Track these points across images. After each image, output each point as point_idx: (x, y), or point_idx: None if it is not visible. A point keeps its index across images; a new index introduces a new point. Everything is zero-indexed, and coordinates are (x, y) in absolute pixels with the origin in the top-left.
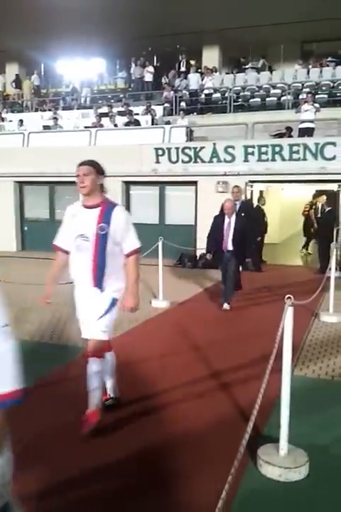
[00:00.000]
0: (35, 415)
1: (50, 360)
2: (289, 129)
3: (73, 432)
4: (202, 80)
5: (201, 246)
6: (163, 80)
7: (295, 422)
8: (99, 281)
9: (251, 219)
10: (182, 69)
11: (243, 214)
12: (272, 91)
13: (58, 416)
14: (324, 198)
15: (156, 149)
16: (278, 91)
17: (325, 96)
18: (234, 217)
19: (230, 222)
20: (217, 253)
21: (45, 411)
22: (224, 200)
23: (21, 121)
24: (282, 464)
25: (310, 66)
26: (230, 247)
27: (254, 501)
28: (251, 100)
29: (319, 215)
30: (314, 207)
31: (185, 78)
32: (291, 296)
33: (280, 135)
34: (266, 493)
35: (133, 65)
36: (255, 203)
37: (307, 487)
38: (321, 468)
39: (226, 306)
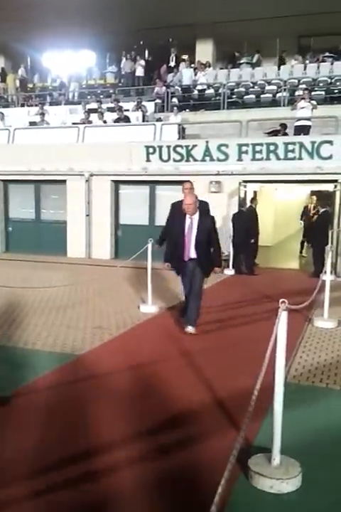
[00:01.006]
0: (10, 429)
1: (33, 369)
2: (284, 126)
3: (52, 448)
4: (195, 75)
5: None
6: (155, 76)
7: (288, 431)
8: None
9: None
10: (172, 64)
11: None
12: (267, 87)
13: (36, 429)
14: (314, 198)
15: (147, 147)
16: (274, 87)
17: (322, 93)
18: (197, 217)
19: (192, 223)
20: (176, 262)
21: (22, 424)
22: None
23: (2, 114)
24: (274, 475)
25: (307, 61)
26: (193, 255)
27: None
28: (246, 97)
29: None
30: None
31: (175, 73)
32: (285, 301)
33: (274, 133)
34: (256, 505)
35: (123, 58)
36: (248, 203)
37: (300, 499)
38: (314, 480)
39: (190, 329)
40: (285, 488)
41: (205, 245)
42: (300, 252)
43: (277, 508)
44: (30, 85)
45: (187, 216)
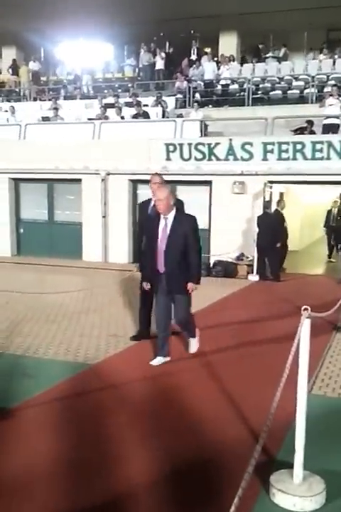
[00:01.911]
0: (19, 443)
1: (44, 378)
2: (310, 123)
3: (63, 466)
4: (219, 69)
5: (215, 252)
6: (176, 70)
7: (312, 446)
8: None
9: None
10: (193, 57)
11: None
12: (294, 83)
13: (46, 445)
14: (337, 202)
15: (167, 145)
16: (301, 83)
17: None
18: (172, 217)
19: (166, 225)
20: (152, 276)
21: (31, 438)
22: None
23: (13, 107)
24: (296, 492)
25: (336, 56)
26: (164, 267)
27: None
28: (272, 93)
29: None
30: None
31: (197, 67)
32: (308, 308)
33: (300, 130)
34: None
35: (142, 51)
36: (274, 205)
37: None
38: (339, 497)
39: (193, 342)
40: (308, 506)
41: (180, 255)
42: (329, 257)
43: None
44: (44, 78)
45: (162, 216)
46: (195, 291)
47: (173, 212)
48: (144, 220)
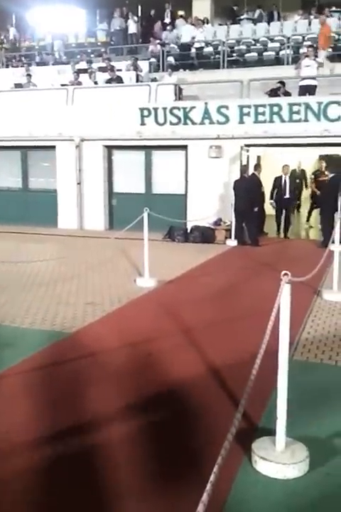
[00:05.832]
0: None
1: (21, 348)
2: (282, 84)
3: (41, 437)
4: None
5: (192, 217)
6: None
7: (295, 412)
8: None
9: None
10: (167, 20)
11: None
12: (270, 45)
13: (23, 415)
14: (322, 163)
15: (141, 110)
16: (277, 45)
17: (329, 50)
18: None
19: None
20: None
21: (7, 409)
22: None
23: None
24: (279, 459)
25: (312, 17)
26: None
27: (248, 501)
28: (247, 55)
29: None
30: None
31: (170, 30)
32: (288, 273)
33: (274, 92)
34: (261, 492)
35: (115, 15)
36: (251, 170)
37: (307, 485)
38: (322, 464)
39: None
40: (291, 474)
41: None
42: (307, 221)
43: (283, 494)
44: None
45: None
46: None
47: None
48: None
